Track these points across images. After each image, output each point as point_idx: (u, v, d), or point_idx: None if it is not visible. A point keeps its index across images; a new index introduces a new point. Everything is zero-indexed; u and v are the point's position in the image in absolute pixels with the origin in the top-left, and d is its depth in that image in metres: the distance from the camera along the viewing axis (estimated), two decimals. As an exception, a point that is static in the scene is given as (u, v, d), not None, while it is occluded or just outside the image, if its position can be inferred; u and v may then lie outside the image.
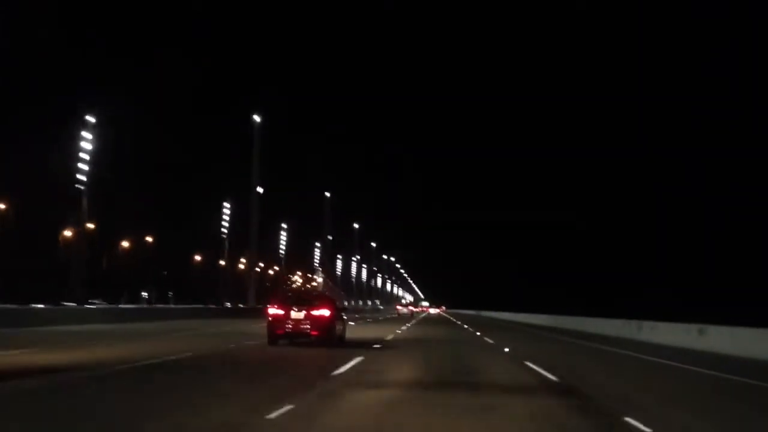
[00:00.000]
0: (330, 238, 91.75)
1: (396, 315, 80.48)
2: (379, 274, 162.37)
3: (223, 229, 60.33)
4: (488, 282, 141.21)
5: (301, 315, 18.64)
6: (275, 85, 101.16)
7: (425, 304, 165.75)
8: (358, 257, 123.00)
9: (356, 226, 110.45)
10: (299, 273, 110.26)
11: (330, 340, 18.80)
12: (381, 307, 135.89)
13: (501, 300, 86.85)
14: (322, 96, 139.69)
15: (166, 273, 68.73)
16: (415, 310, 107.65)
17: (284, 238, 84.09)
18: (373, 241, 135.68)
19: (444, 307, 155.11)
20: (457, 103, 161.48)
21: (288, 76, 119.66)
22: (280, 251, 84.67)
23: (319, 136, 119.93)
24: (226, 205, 59.74)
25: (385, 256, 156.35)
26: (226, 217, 60.01)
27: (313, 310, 18.77)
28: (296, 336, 18.87)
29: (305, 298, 20.77)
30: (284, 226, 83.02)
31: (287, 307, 18.92)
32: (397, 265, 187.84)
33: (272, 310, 19.15)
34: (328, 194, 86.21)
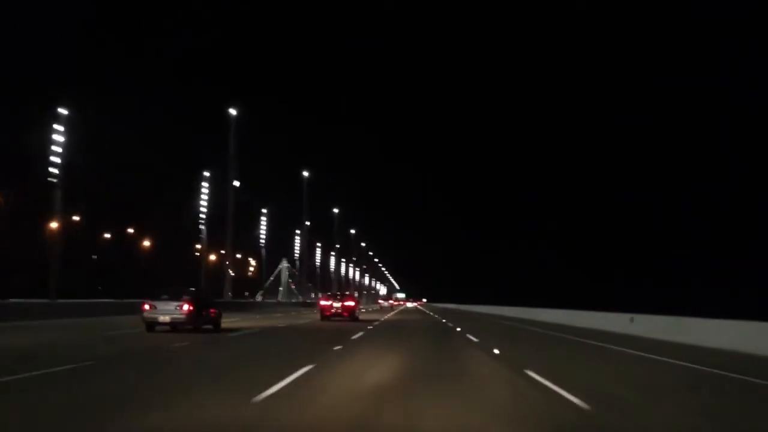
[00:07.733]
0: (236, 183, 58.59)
1: (378, 307, 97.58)
2: (350, 264, 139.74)
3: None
4: (469, 276, 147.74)
5: (339, 305, 34.57)
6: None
7: (400, 296, 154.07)
8: (306, 226, 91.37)
9: (306, 174, 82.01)
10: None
11: (354, 318, 34.66)
12: None
13: (480, 294, 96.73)
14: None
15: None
16: (394, 303, 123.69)
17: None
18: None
19: (424, 300, 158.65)
20: (443, 91, 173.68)
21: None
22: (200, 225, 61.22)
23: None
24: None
25: (352, 232, 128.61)
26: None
27: (345, 302, 34.79)
28: (335, 316, 34.62)
29: (341, 295, 36.92)
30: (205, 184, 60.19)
31: (331, 300, 34.93)
32: (370, 253, 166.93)
33: (323, 302, 35.17)
34: (232, 111, 57.81)
